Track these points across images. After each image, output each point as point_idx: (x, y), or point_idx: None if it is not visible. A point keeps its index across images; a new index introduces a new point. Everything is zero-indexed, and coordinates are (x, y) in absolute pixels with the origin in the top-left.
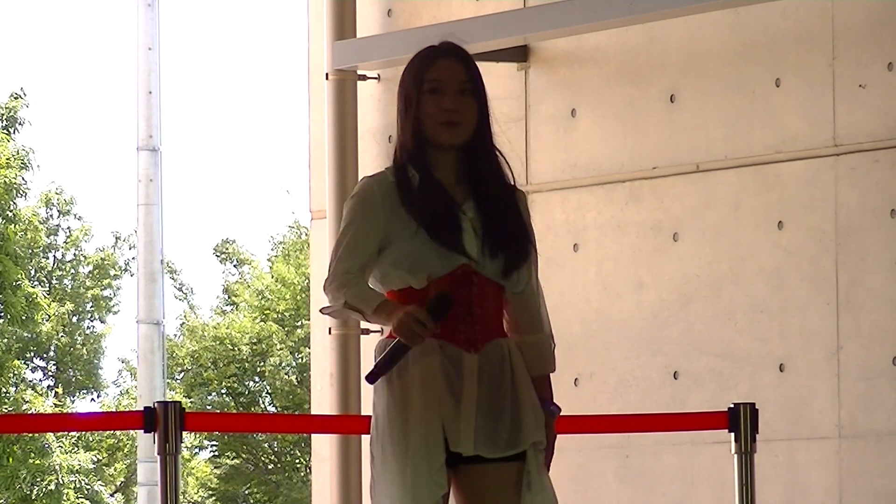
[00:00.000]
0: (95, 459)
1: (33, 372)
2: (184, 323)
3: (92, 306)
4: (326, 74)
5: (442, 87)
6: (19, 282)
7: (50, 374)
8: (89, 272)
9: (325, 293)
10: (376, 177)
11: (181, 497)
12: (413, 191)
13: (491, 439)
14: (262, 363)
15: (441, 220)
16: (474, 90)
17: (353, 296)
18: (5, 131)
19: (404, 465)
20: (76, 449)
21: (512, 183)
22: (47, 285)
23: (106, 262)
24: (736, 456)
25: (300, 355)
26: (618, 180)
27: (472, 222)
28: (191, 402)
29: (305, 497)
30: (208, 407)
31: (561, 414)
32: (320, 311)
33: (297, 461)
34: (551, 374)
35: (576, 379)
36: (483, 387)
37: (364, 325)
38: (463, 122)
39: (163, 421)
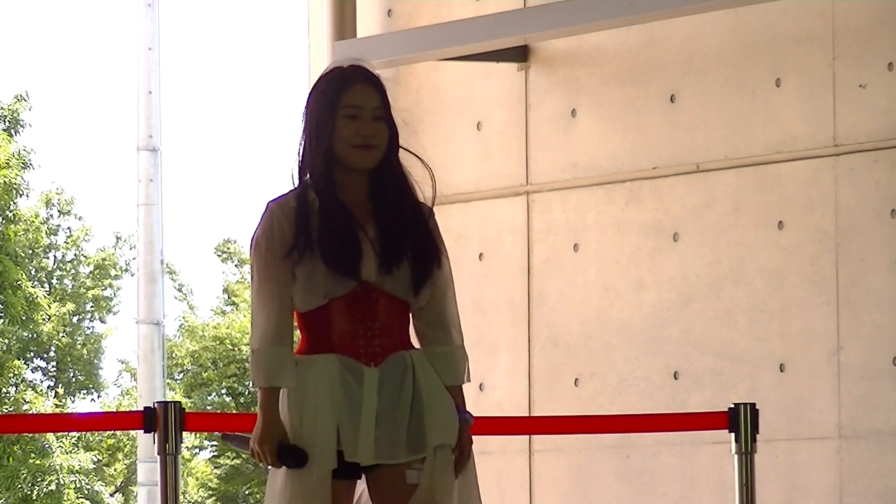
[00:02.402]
0: (95, 459)
1: (33, 372)
2: (184, 323)
3: (92, 306)
4: None
5: (359, 113)
6: (19, 282)
7: (50, 374)
8: (89, 272)
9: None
10: (280, 202)
11: (181, 497)
12: (312, 216)
13: (392, 446)
14: None
15: (338, 244)
16: (385, 115)
17: (258, 377)
18: (7, 132)
19: (288, 476)
20: (76, 449)
21: (419, 199)
22: (47, 285)
23: (106, 263)
24: (736, 456)
25: None
26: (618, 180)
27: (372, 242)
28: (191, 402)
29: None
30: (208, 407)
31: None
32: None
33: None
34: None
35: (576, 379)
36: (383, 398)
37: None
38: (377, 146)
39: (163, 421)
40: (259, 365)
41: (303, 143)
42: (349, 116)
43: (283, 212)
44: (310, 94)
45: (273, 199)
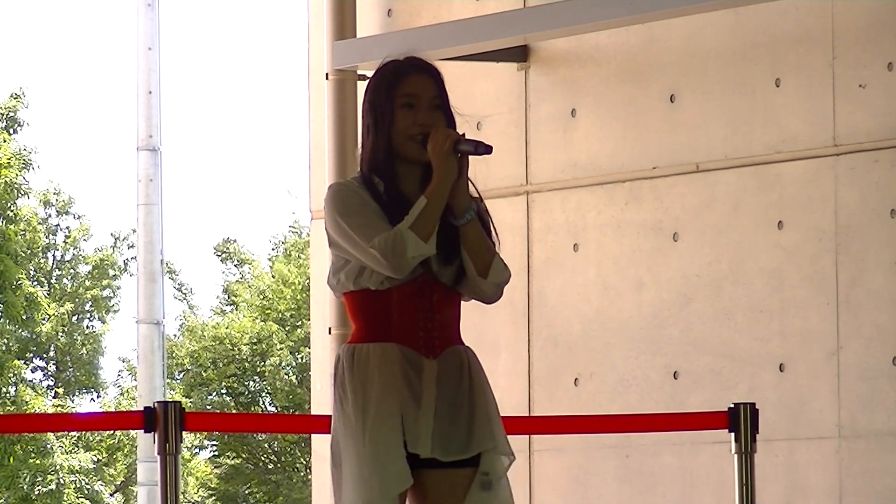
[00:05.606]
0: (95, 459)
1: (33, 372)
2: (184, 323)
3: (91, 306)
4: (326, 74)
5: (416, 102)
6: (19, 282)
7: (50, 374)
8: (89, 272)
9: (385, 266)
10: (345, 182)
11: (181, 497)
12: (381, 197)
13: (446, 442)
14: (262, 363)
15: None
16: (443, 105)
17: (408, 235)
18: (5, 131)
19: (364, 462)
20: (76, 449)
21: (475, 193)
22: (47, 285)
23: (105, 262)
24: (736, 456)
25: (300, 355)
26: (618, 180)
27: None
28: (191, 402)
29: (305, 497)
30: (208, 407)
31: (561, 416)
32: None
33: (297, 461)
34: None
35: (576, 379)
36: (442, 391)
37: None
38: None
39: (163, 421)
40: (406, 229)
41: (366, 137)
42: (406, 105)
43: (355, 187)
44: (367, 89)
45: (336, 182)
